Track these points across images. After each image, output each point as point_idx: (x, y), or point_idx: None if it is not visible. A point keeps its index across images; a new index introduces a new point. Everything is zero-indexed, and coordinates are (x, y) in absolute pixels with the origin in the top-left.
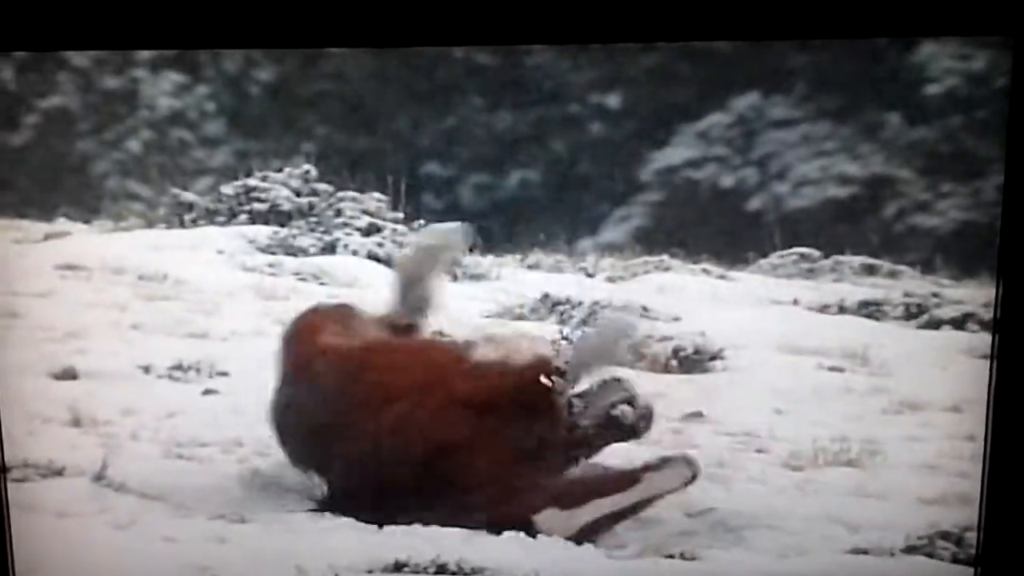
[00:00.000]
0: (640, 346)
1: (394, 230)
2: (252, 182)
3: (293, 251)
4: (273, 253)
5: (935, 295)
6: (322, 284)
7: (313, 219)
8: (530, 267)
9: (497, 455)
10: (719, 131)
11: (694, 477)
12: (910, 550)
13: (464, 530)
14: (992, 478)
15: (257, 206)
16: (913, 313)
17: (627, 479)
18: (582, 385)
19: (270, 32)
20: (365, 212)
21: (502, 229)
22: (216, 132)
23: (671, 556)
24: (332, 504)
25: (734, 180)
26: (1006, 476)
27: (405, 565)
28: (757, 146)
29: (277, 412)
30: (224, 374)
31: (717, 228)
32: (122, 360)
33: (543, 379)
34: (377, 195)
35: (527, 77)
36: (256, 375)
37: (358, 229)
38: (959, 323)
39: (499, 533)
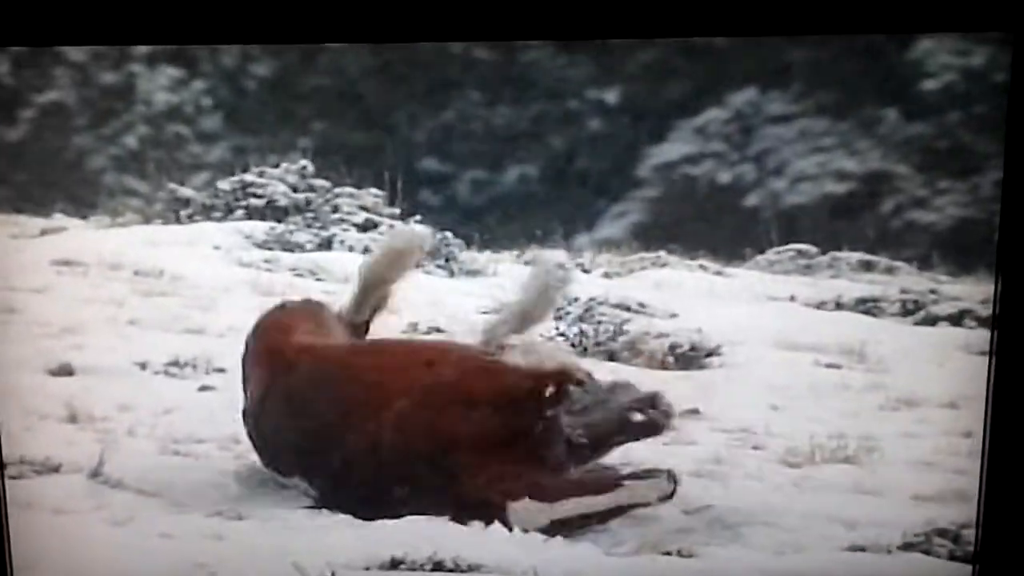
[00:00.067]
0: (637, 342)
1: (391, 226)
2: (249, 178)
3: (290, 247)
4: (270, 249)
5: (932, 291)
6: (318, 280)
7: (310, 215)
8: (527, 263)
9: (496, 451)
10: (716, 127)
11: (671, 495)
12: (907, 547)
13: (460, 527)
14: (991, 475)
15: (254, 202)
16: (910, 309)
17: (607, 483)
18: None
19: (267, 27)
20: (362, 208)
21: (499, 225)
22: (213, 127)
23: (668, 553)
24: (326, 501)
25: (731, 176)
26: (1004, 473)
27: (402, 562)
28: (754, 142)
29: (254, 418)
30: (221, 370)
31: (714, 224)
32: (119, 356)
33: (568, 386)
34: (374, 191)
35: (524, 73)
36: None
37: (355, 225)
38: (956, 319)
39: (470, 518)
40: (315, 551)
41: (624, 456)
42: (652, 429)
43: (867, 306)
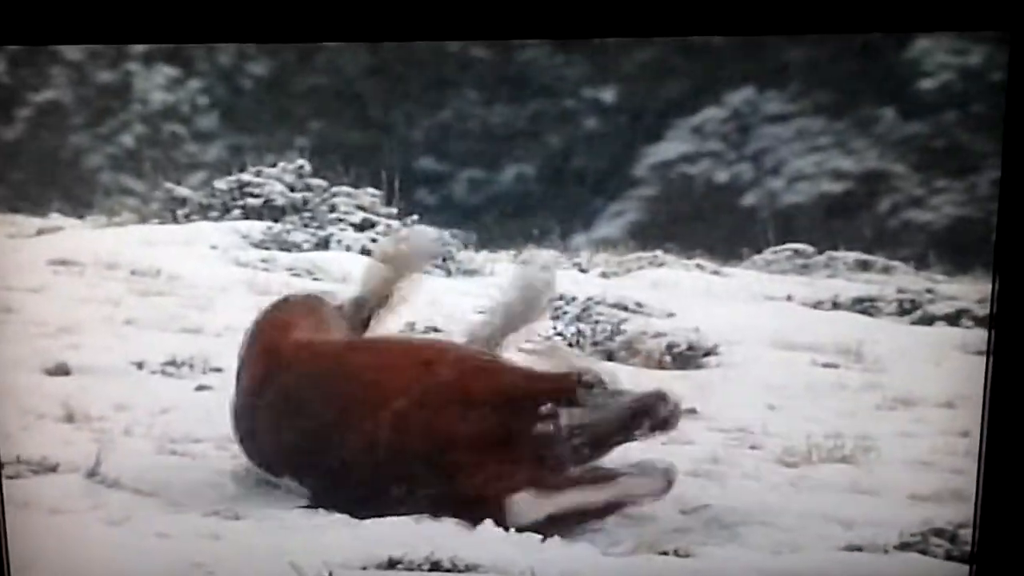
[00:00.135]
0: (634, 341)
1: (388, 225)
2: (246, 177)
3: (287, 246)
4: (267, 248)
5: (929, 291)
6: (315, 280)
7: (307, 214)
8: (524, 263)
9: (494, 450)
10: (713, 126)
11: (666, 490)
12: (904, 547)
13: (458, 527)
14: (988, 474)
15: (251, 201)
16: (907, 309)
17: (604, 476)
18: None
19: (264, 25)
20: (359, 207)
21: (496, 224)
22: (209, 126)
23: (665, 553)
24: (318, 500)
25: (728, 175)
26: (1001, 473)
27: (399, 562)
28: (751, 141)
29: (236, 412)
30: (217, 370)
31: (711, 223)
32: (115, 356)
33: (582, 389)
34: (371, 190)
35: (521, 72)
36: None
37: (352, 224)
38: (953, 319)
39: (467, 516)
40: (312, 551)
41: (623, 457)
42: (657, 427)
43: (864, 306)
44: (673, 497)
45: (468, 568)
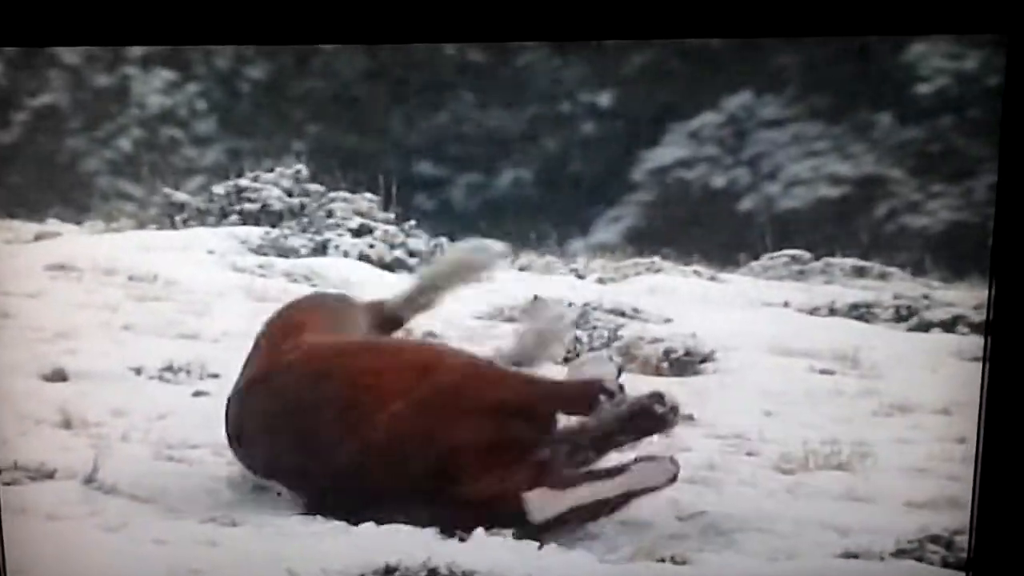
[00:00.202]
0: (631, 347)
1: (385, 231)
2: (243, 182)
3: (284, 252)
4: (264, 254)
5: (925, 297)
6: (313, 285)
7: (304, 219)
8: (521, 268)
9: (497, 453)
10: (710, 131)
11: (675, 477)
12: (900, 554)
13: (455, 531)
14: (984, 481)
15: (248, 206)
16: (903, 315)
17: (615, 470)
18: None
19: (262, 28)
20: (356, 212)
21: (493, 230)
22: (207, 130)
23: (662, 560)
24: (321, 506)
25: (725, 180)
26: (998, 479)
27: (396, 569)
28: (748, 146)
29: (252, 418)
30: (215, 376)
31: (708, 229)
32: (112, 361)
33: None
34: (369, 195)
35: (519, 75)
36: None
37: (349, 230)
38: (949, 325)
39: (477, 520)
40: (309, 557)
41: (622, 458)
42: (656, 427)
43: (860, 312)
44: (670, 503)
45: (464, 575)
